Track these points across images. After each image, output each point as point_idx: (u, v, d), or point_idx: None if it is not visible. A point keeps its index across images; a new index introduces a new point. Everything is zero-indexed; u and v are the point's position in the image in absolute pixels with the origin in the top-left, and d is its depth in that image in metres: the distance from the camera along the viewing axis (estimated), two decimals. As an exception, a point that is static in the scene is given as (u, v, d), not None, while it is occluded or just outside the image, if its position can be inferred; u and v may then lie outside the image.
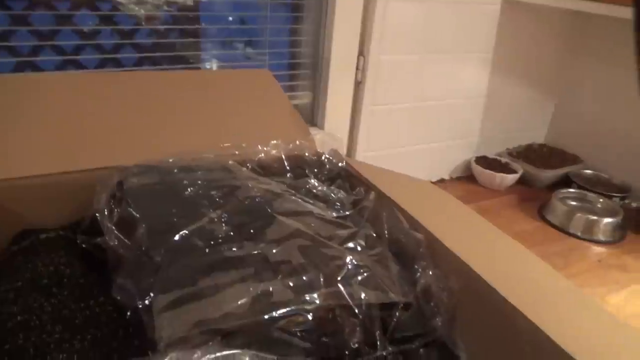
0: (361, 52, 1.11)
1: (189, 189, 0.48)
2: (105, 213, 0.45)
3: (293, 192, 0.54)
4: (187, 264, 0.39)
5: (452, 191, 1.38)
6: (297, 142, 0.67)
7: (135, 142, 0.62)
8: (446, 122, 1.34)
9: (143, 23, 0.99)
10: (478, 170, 1.41)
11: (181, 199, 0.47)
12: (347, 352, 0.39)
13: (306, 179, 0.60)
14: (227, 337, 0.36)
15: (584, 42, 1.46)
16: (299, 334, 0.37)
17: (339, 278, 0.40)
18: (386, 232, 0.51)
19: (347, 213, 0.52)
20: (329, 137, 0.73)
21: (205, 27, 1.04)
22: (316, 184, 0.59)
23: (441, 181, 1.43)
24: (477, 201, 1.32)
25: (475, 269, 0.45)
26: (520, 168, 1.42)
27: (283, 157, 0.63)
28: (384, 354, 0.42)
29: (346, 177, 0.65)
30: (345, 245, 0.45)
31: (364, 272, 0.42)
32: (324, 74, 1.11)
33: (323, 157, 0.64)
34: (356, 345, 0.38)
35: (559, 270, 1.03)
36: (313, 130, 1.16)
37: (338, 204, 0.53)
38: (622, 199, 1.34)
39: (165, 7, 0.99)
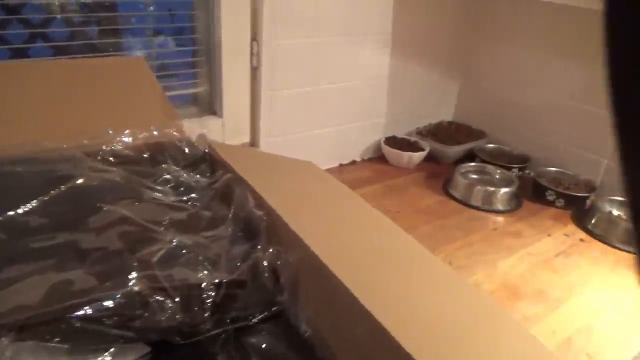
0: (254, 37, 1.10)
1: (14, 181, 0.46)
2: None
3: (139, 179, 0.53)
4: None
5: (361, 171, 1.41)
6: (163, 130, 0.65)
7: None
8: (350, 105, 1.35)
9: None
10: (387, 150, 1.44)
11: (1, 191, 0.44)
12: (168, 333, 0.39)
13: (162, 166, 0.59)
14: (23, 331, 0.34)
15: (483, 21, 1.52)
16: (104, 321, 0.36)
17: (154, 260, 0.39)
18: (232, 212, 0.50)
19: (193, 196, 0.52)
20: (197, 124, 0.72)
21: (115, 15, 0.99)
22: (171, 170, 0.58)
23: (352, 163, 1.45)
24: (385, 180, 1.35)
25: (308, 243, 0.45)
26: (428, 146, 1.46)
27: (141, 144, 0.61)
28: (217, 332, 0.42)
29: (210, 161, 0.64)
30: (174, 228, 0.44)
31: (186, 253, 0.41)
32: (217, 60, 1.09)
33: (183, 143, 0.63)
34: (169, 325, 0.37)
35: (456, 240, 1.08)
36: (213, 119, 1.14)
37: (182, 187, 0.52)
38: (522, 169, 1.41)
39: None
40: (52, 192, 0.44)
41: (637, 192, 0.17)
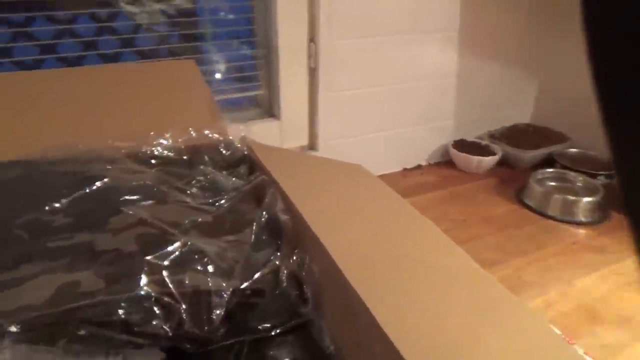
0: (312, 38, 1.08)
1: (48, 180, 0.47)
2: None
3: (171, 180, 0.52)
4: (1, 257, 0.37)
5: (426, 176, 1.34)
6: (203, 132, 0.64)
7: (42, 137, 0.61)
8: (414, 106, 1.29)
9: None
10: (454, 153, 1.36)
11: (30, 190, 0.45)
12: (177, 340, 0.37)
13: (200, 167, 0.58)
14: (29, 332, 0.34)
15: (565, 13, 1.39)
16: (110, 325, 0.35)
17: (165, 264, 0.38)
18: (258, 216, 0.48)
19: (222, 198, 0.50)
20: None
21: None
22: (207, 172, 0.56)
23: (417, 167, 1.39)
24: (452, 186, 1.27)
25: (332, 253, 0.42)
26: (500, 150, 1.36)
27: (181, 146, 0.61)
28: (232, 342, 0.40)
29: (250, 163, 0.62)
30: (195, 231, 0.43)
31: (201, 257, 0.39)
32: (275, 62, 1.08)
33: (223, 145, 0.62)
34: (178, 332, 0.35)
35: (527, 253, 0.98)
36: (271, 122, 1.14)
37: (214, 190, 0.51)
38: (609, 177, 1.27)
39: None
40: (80, 192, 0.44)
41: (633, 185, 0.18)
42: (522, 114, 1.54)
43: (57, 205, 0.43)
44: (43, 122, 0.63)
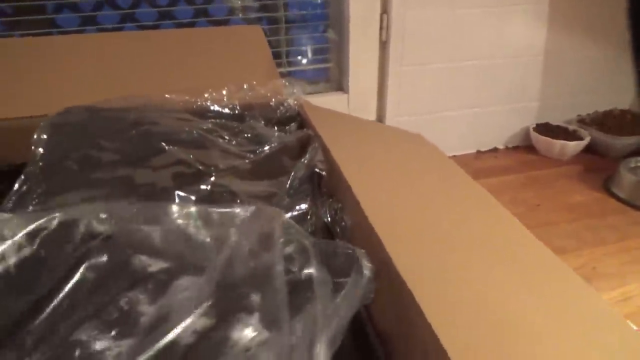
0: (384, 9, 1.05)
1: (104, 124, 0.50)
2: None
3: (220, 130, 0.53)
4: (50, 185, 0.40)
5: (502, 160, 1.26)
6: (258, 90, 0.65)
7: (109, 91, 0.66)
8: (493, 85, 1.21)
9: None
10: (535, 137, 1.27)
11: (89, 131, 0.49)
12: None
13: (250, 121, 0.59)
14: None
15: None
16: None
17: (194, 198, 0.39)
18: (296, 166, 0.48)
19: (266, 148, 0.50)
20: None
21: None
22: (256, 125, 0.57)
23: (493, 150, 1.31)
24: (529, 170, 1.19)
25: (367, 211, 0.40)
26: (588, 135, 1.24)
27: (236, 102, 0.63)
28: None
29: (301, 122, 0.62)
30: (232, 174, 0.44)
31: (229, 196, 0.40)
32: (345, 34, 1.07)
33: (275, 103, 0.62)
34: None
35: (607, 243, 0.89)
36: (338, 95, 1.13)
37: (259, 141, 0.51)
38: None
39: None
40: (130, 133, 0.47)
41: None
42: (620, 100, 1.39)
43: (107, 143, 0.46)
44: (112, 79, 0.68)
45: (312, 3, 1.10)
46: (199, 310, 0.24)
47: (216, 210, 0.29)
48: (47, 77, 0.66)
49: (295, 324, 0.23)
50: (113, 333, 0.23)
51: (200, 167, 0.43)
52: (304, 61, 1.15)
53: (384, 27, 1.06)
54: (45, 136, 0.48)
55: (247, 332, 0.23)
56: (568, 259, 0.83)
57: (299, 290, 0.26)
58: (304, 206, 0.42)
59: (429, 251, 0.33)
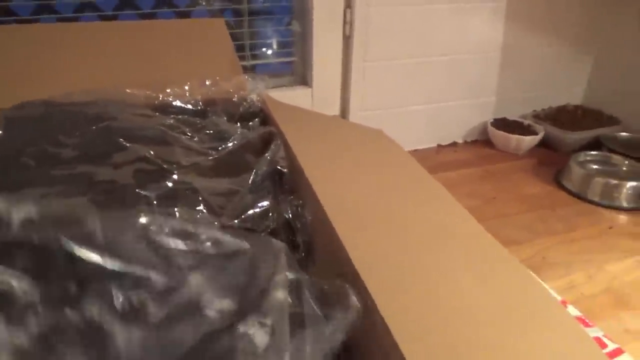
0: (348, 4, 1.06)
1: (63, 119, 0.49)
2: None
3: (181, 127, 0.53)
4: (5, 181, 0.40)
5: (461, 154, 1.30)
6: (221, 85, 0.66)
7: (69, 83, 0.64)
8: (453, 80, 1.25)
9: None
10: (492, 132, 1.31)
11: (47, 126, 0.48)
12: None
13: (212, 117, 0.59)
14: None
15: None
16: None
17: (155, 196, 0.39)
18: (258, 163, 0.49)
19: (229, 145, 0.51)
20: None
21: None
22: (218, 122, 0.57)
23: (453, 144, 1.35)
24: (486, 164, 1.23)
25: (324, 203, 0.41)
26: (543, 130, 1.30)
27: (197, 97, 0.63)
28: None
29: (263, 118, 0.63)
30: (194, 172, 0.44)
31: (191, 194, 0.40)
32: (308, 28, 1.07)
33: (237, 98, 0.63)
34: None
35: (557, 233, 0.94)
36: (302, 89, 1.14)
37: (221, 137, 0.52)
38: (661, 163, 1.18)
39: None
40: (90, 129, 0.46)
41: None
42: (572, 95, 1.46)
43: (66, 139, 0.45)
44: (72, 71, 0.66)
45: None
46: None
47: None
48: None
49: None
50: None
51: (162, 164, 0.43)
52: (269, 52, 1.15)
53: (348, 22, 1.07)
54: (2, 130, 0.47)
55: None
56: (520, 249, 0.87)
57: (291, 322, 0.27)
58: (265, 203, 0.43)
59: (384, 244, 0.35)
